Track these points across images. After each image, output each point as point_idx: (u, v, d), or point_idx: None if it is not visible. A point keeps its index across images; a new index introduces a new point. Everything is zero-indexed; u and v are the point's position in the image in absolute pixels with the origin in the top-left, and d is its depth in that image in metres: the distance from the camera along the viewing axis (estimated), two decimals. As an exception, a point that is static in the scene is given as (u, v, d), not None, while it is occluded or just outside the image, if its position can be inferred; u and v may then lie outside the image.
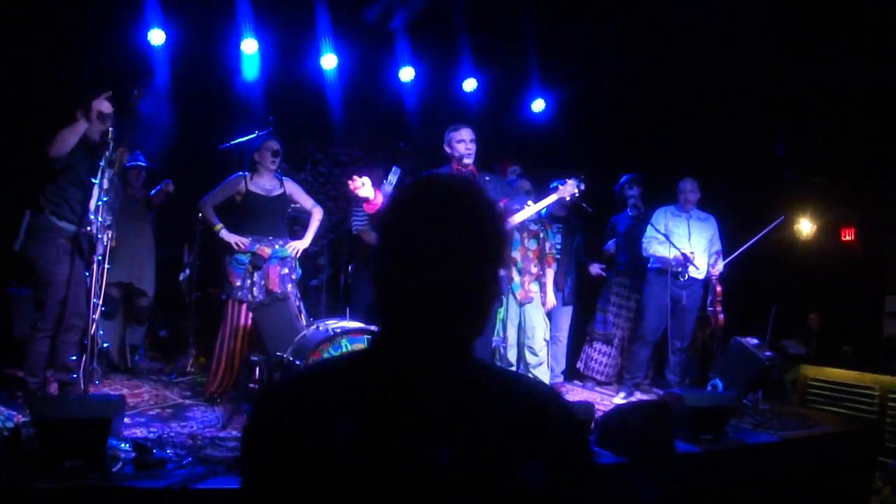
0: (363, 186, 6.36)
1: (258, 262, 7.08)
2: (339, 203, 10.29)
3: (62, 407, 4.75)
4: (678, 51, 9.43)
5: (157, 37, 8.46)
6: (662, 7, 8.69)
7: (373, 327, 6.06)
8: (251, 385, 6.80)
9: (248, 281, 7.09)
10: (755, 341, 8.08)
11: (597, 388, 9.05)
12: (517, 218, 6.75)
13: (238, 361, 7.08)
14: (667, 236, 8.31)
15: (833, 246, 11.18)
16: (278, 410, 1.65)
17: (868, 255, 10.92)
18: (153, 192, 8.17)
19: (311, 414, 1.60)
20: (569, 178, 6.97)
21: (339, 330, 5.90)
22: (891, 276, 10.84)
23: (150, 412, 6.42)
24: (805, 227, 10.80)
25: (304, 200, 7.54)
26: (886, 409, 7.95)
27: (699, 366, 9.00)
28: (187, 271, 8.34)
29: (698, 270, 8.37)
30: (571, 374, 9.29)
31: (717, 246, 8.54)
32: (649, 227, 8.49)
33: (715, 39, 9.05)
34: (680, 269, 8.29)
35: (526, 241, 7.72)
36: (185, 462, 5.00)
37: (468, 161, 6.65)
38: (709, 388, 7.92)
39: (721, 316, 8.34)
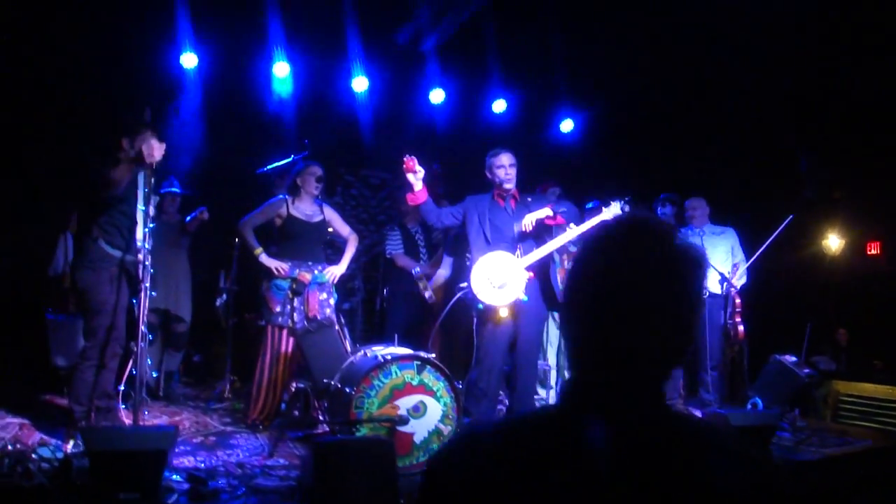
0: (417, 173, 6.53)
1: (299, 288, 6.93)
2: (370, 226, 10.23)
3: (118, 439, 4.63)
4: (704, 68, 9.39)
5: (189, 60, 8.38)
6: (689, 25, 8.64)
7: (422, 353, 5.94)
8: (296, 412, 6.74)
9: (289, 307, 6.93)
10: (793, 358, 8.06)
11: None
12: (560, 241, 6.59)
13: (279, 388, 6.96)
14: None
15: (859, 260, 11.05)
16: (464, 471, 1.52)
17: (894, 269, 10.79)
18: (188, 218, 8.04)
19: (505, 476, 1.46)
20: (613, 200, 6.82)
21: (389, 357, 5.76)
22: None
23: (194, 440, 6.29)
24: (833, 242, 10.67)
25: (342, 228, 7.43)
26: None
27: (729, 382, 8.83)
28: (224, 297, 8.19)
29: (714, 286, 8.25)
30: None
31: (739, 257, 8.42)
32: None
33: (741, 56, 8.99)
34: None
35: (566, 262, 7.60)
36: (239, 493, 4.91)
37: (508, 186, 6.61)
38: (749, 406, 7.88)
39: (741, 328, 8.19)
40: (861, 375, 8.81)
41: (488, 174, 6.70)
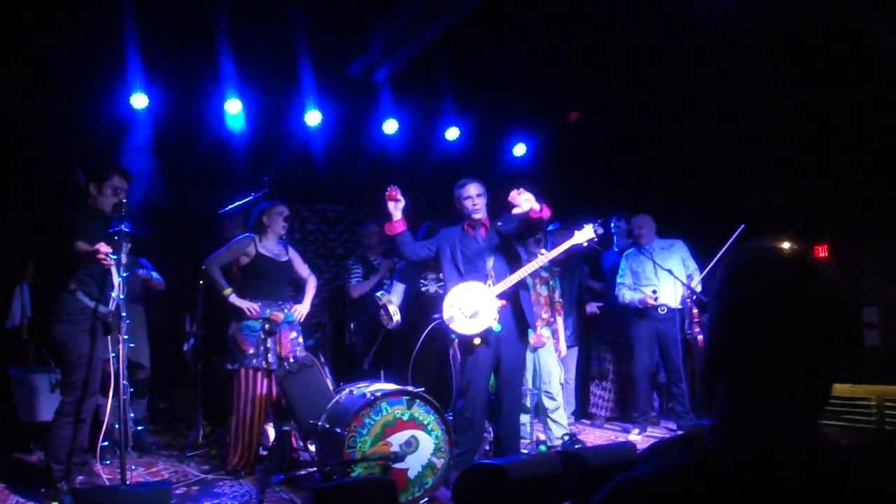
0: (399, 202, 6.37)
1: (272, 328, 6.66)
2: (330, 261, 10.06)
3: (117, 499, 4.37)
4: (648, 83, 9.46)
5: (139, 100, 8.11)
6: (632, 44, 8.72)
7: (410, 388, 5.79)
8: (291, 455, 6.52)
9: (262, 348, 6.67)
10: None
11: (606, 426, 8.91)
12: (531, 267, 6.46)
13: (257, 432, 6.73)
14: (635, 276, 8.44)
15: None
16: None
17: (843, 271, 10.81)
18: (148, 272, 7.73)
19: None
20: (585, 224, 6.71)
21: (378, 394, 5.61)
22: (866, 289, 10.81)
23: (177, 491, 6.01)
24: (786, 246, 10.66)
25: (302, 269, 7.24)
26: (885, 417, 7.87)
27: (693, 393, 8.81)
28: (192, 340, 7.92)
29: (677, 301, 8.29)
30: (579, 413, 9.05)
31: (692, 268, 8.42)
32: (618, 276, 8.55)
33: (684, 69, 9.05)
34: (656, 305, 8.21)
35: (538, 286, 7.51)
36: (239, 546, 4.70)
37: (478, 216, 6.48)
38: None
39: (700, 337, 8.15)
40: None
41: (457, 205, 6.58)
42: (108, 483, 5.98)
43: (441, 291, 7.63)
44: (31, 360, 7.84)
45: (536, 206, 6.06)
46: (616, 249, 8.87)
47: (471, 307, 6.18)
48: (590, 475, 5.16)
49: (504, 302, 6.29)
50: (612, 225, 8.93)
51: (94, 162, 6.08)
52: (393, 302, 7.55)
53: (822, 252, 11.15)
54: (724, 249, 8.06)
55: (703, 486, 1.46)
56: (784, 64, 8.77)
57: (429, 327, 6.42)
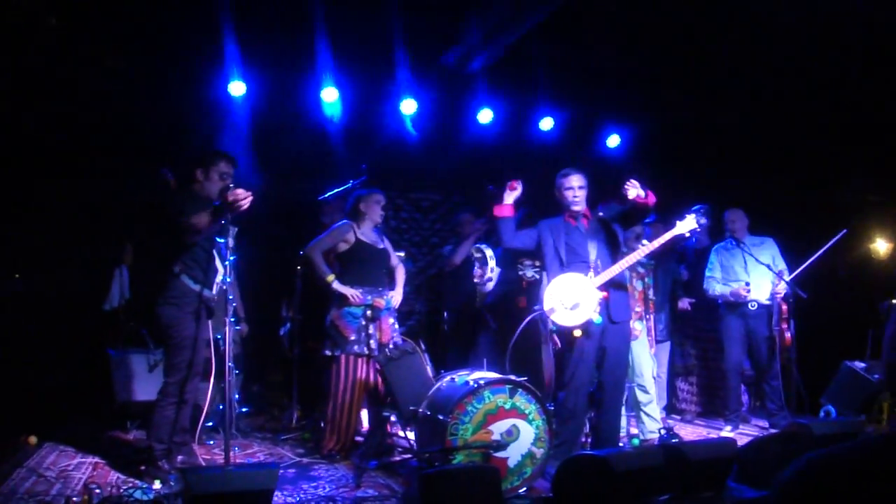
0: (515, 190, 6.25)
1: (375, 314, 6.62)
2: (423, 249, 9.97)
3: (222, 480, 4.28)
4: (748, 80, 9.22)
5: (237, 88, 8.09)
6: (734, 40, 8.50)
7: (513, 377, 5.64)
8: (387, 440, 6.44)
9: (364, 334, 6.60)
10: (863, 364, 7.84)
11: (696, 422, 8.69)
12: (632, 258, 6.32)
13: (354, 417, 6.66)
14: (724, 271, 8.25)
15: (902, 264, 10.73)
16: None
17: None
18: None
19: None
20: (687, 213, 6.57)
21: (482, 382, 5.47)
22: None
23: (275, 473, 5.96)
24: (881, 246, 10.36)
25: (393, 257, 7.16)
26: None
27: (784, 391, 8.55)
28: (287, 325, 7.87)
29: (766, 297, 8.07)
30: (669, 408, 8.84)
31: (781, 266, 8.18)
32: (707, 269, 8.36)
33: (783, 66, 8.81)
34: (747, 300, 7.96)
35: (633, 280, 7.32)
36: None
37: (577, 208, 6.32)
38: (822, 414, 7.79)
39: (788, 335, 7.97)
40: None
41: (557, 194, 6.43)
42: (205, 464, 5.99)
43: (537, 276, 7.51)
44: (129, 341, 7.87)
45: (642, 193, 6.02)
46: (694, 242, 8.61)
47: (571, 299, 6.02)
48: (690, 470, 5.08)
49: (605, 294, 6.13)
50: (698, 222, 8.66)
51: (200, 150, 6.01)
52: (493, 257, 7.46)
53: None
54: (820, 252, 7.88)
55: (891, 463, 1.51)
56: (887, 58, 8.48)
57: (527, 318, 6.23)
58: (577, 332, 6.04)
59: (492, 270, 7.55)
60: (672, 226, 6.48)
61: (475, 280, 7.77)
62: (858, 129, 9.72)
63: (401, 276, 7.11)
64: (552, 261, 6.25)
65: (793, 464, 1.55)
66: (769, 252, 8.26)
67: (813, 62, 8.66)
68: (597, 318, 6.03)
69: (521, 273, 7.73)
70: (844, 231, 7.89)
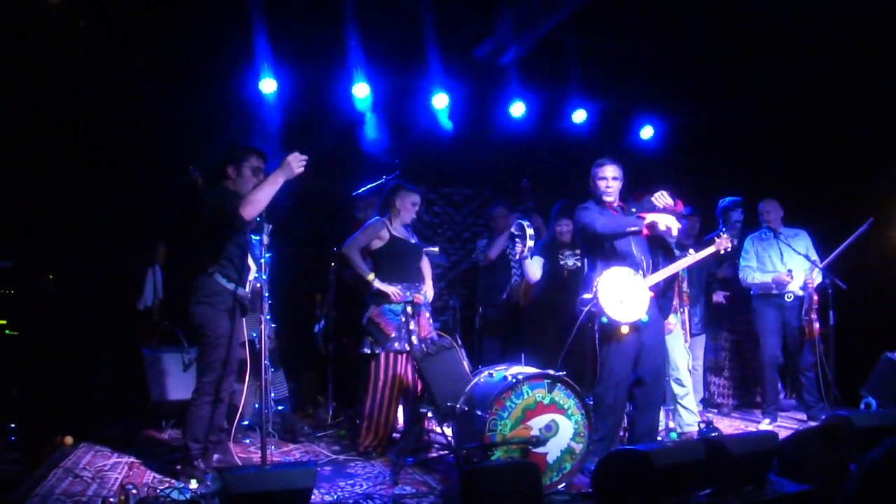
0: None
1: (416, 310, 6.52)
2: (456, 244, 9.88)
3: (260, 479, 4.19)
4: (780, 73, 9.09)
5: (268, 86, 8.03)
6: (764, 32, 8.42)
7: (551, 371, 5.53)
8: (424, 437, 6.35)
9: (404, 331, 6.48)
10: None
11: (733, 415, 8.55)
12: (683, 263, 6.36)
13: (393, 414, 6.56)
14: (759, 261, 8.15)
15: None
16: None
17: None
18: None
19: None
20: (723, 232, 6.65)
21: (520, 377, 5.36)
22: None
23: (312, 471, 5.88)
24: (918, 236, 10.15)
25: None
26: None
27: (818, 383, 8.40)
28: (321, 322, 7.78)
29: (799, 287, 7.98)
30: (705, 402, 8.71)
31: (814, 257, 8.05)
32: (741, 259, 8.23)
33: (816, 59, 8.73)
34: (785, 291, 7.87)
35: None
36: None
37: (609, 199, 6.17)
38: (862, 406, 7.62)
39: (816, 325, 7.84)
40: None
41: (591, 183, 6.28)
42: (241, 463, 5.92)
43: (578, 264, 7.40)
44: (163, 340, 7.83)
45: (671, 202, 5.96)
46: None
47: (624, 294, 5.90)
48: (732, 463, 4.98)
49: (653, 294, 6.05)
50: (731, 216, 8.49)
51: (232, 146, 5.92)
52: (532, 236, 7.40)
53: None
54: (847, 242, 7.74)
55: None
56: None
57: (585, 309, 6.04)
58: (626, 329, 5.92)
59: (531, 238, 7.47)
60: (710, 241, 6.54)
61: (516, 257, 7.70)
62: (892, 118, 9.58)
63: (428, 268, 7.00)
64: (609, 249, 6.12)
65: (881, 444, 1.63)
66: (803, 244, 8.16)
67: (846, 52, 8.53)
68: (644, 318, 5.95)
69: (562, 263, 7.65)
70: (871, 220, 7.70)
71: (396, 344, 6.46)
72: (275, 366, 7.14)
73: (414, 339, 6.43)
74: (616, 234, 6.01)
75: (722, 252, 6.53)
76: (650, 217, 5.85)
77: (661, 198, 5.98)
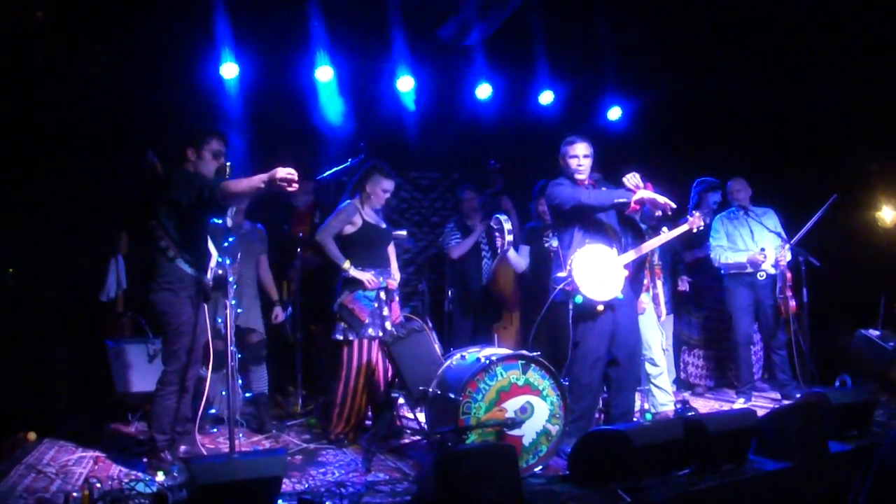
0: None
1: (390, 296, 6.41)
2: (424, 228, 9.74)
3: (228, 469, 4.03)
4: (746, 52, 9.11)
5: (229, 70, 7.81)
6: (731, 11, 8.36)
7: (525, 351, 5.42)
8: (396, 423, 6.22)
9: (378, 316, 6.34)
10: (878, 332, 7.75)
11: (707, 395, 8.49)
12: (656, 242, 6.27)
13: (365, 400, 6.41)
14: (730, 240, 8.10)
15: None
16: None
17: None
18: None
19: None
20: (695, 211, 6.54)
21: (494, 358, 5.23)
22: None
23: (282, 460, 5.72)
24: (887, 214, 10.16)
25: None
26: None
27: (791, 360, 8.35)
28: (289, 310, 7.59)
29: (771, 265, 7.89)
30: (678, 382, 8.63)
31: (783, 235, 7.99)
32: (711, 238, 8.14)
33: (775, 35, 8.77)
34: (758, 270, 7.84)
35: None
36: (354, 514, 4.39)
37: (580, 177, 6.10)
38: (837, 383, 7.60)
39: (792, 302, 7.78)
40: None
41: (561, 161, 6.20)
42: (207, 452, 5.75)
43: None
44: (128, 331, 7.63)
45: (641, 184, 5.91)
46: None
47: (600, 272, 5.84)
48: (711, 442, 4.96)
49: (628, 272, 6.00)
50: (708, 197, 8.42)
51: (192, 128, 5.72)
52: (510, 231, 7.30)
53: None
54: (814, 219, 7.70)
55: None
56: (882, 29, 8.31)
57: (557, 288, 5.95)
58: (601, 308, 5.86)
59: (510, 232, 7.38)
60: (683, 220, 6.40)
61: (498, 251, 7.60)
62: (859, 97, 9.59)
63: (393, 252, 6.83)
64: (584, 226, 6.03)
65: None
66: (772, 222, 8.10)
67: (812, 32, 8.53)
68: (620, 296, 5.89)
69: (547, 245, 7.54)
70: (835, 196, 7.67)
71: (371, 330, 6.30)
72: (258, 360, 6.98)
73: (388, 324, 6.29)
74: (603, 206, 5.96)
75: (695, 230, 6.43)
76: (642, 193, 5.78)
77: (633, 178, 5.92)
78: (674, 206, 5.81)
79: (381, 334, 6.24)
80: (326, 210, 7.02)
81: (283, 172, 4.84)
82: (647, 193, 5.76)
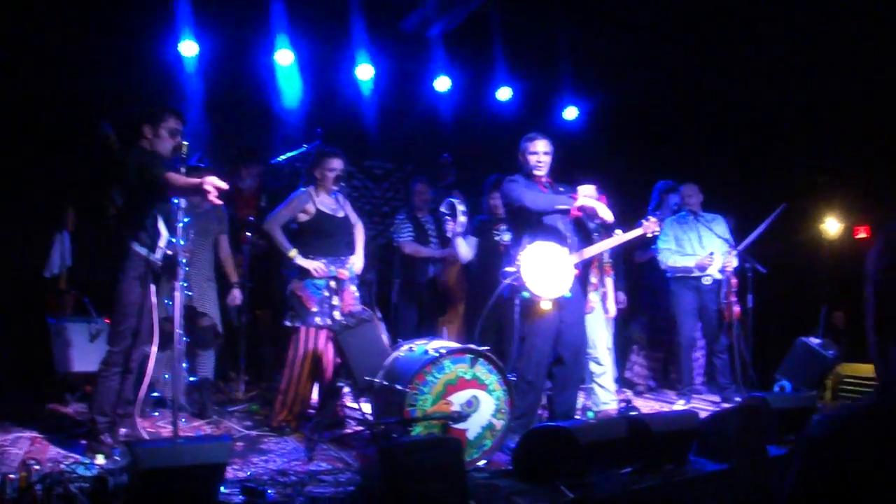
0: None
1: (339, 286, 6.30)
2: (375, 218, 9.70)
3: (172, 454, 3.97)
4: (699, 58, 9.19)
5: (188, 48, 7.70)
6: (691, 15, 8.42)
7: (473, 346, 5.42)
8: (340, 412, 6.19)
9: (327, 306, 6.26)
10: (818, 340, 7.87)
11: (647, 395, 8.60)
12: (610, 244, 6.35)
13: (308, 389, 6.36)
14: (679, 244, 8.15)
15: (848, 244, 10.81)
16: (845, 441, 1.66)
17: (884, 253, 10.55)
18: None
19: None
20: (650, 216, 6.56)
21: (442, 351, 5.23)
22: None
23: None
24: (832, 226, 10.37)
25: (352, 216, 6.76)
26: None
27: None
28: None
29: (717, 270, 7.98)
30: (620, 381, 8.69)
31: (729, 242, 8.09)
32: (659, 241, 8.13)
33: (738, 47, 8.87)
34: (703, 274, 7.90)
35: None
36: (297, 502, 4.37)
37: (539, 173, 6.13)
38: (776, 388, 7.76)
39: (736, 308, 7.88)
40: (862, 357, 8.54)
41: (520, 157, 6.23)
42: (149, 437, 5.66)
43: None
44: (70, 309, 7.48)
45: (595, 195, 6.20)
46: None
47: (549, 270, 5.88)
48: (653, 442, 5.01)
49: (578, 271, 6.06)
50: (669, 198, 8.53)
51: (149, 106, 5.62)
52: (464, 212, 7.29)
53: (861, 233, 10.86)
54: (762, 227, 7.82)
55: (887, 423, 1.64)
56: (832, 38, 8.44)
57: (503, 283, 5.98)
58: (547, 305, 5.88)
59: (463, 213, 7.37)
60: (638, 224, 6.45)
61: (448, 235, 7.56)
62: (812, 110, 9.75)
63: (360, 236, 6.74)
64: (537, 224, 6.04)
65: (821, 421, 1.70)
66: (720, 228, 8.18)
67: (768, 41, 8.64)
68: (568, 294, 5.93)
69: (497, 238, 7.52)
70: (784, 205, 7.79)
71: (317, 319, 6.23)
72: (206, 345, 6.89)
73: (336, 314, 6.22)
74: (544, 211, 5.96)
75: (649, 235, 6.49)
76: (584, 200, 5.81)
77: (587, 189, 6.17)
78: (611, 219, 5.89)
79: (328, 323, 6.19)
80: (273, 194, 7.01)
81: (210, 185, 4.76)
82: (588, 202, 5.84)
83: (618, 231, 6.46)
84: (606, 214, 5.84)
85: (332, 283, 6.29)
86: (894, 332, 1.79)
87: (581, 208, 5.82)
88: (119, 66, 7.53)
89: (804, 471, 1.68)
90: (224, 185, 4.80)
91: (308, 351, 6.25)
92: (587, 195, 6.04)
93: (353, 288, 6.53)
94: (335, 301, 6.26)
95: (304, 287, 6.25)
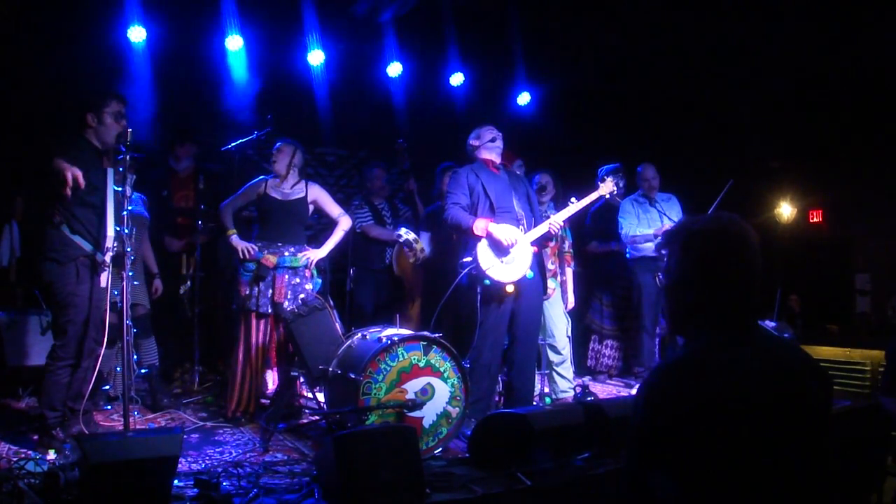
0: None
1: (262, 272, 6.28)
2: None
3: (123, 448, 3.93)
4: (652, 43, 9.28)
5: (137, 34, 7.63)
6: (645, 9, 8.60)
7: (426, 332, 5.43)
8: (295, 402, 6.20)
9: (256, 289, 6.27)
10: (773, 323, 7.92)
11: (608, 381, 8.69)
12: (564, 215, 6.31)
13: (258, 378, 6.33)
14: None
15: (802, 228, 11.00)
16: (685, 394, 2.16)
17: (836, 236, 10.80)
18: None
19: (712, 382, 2.15)
20: (606, 176, 6.68)
21: (395, 338, 5.23)
22: (858, 256, 10.71)
23: (176, 438, 5.61)
24: (786, 211, 10.52)
25: (331, 208, 6.72)
26: (878, 383, 7.69)
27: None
28: (188, 283, 7.46)
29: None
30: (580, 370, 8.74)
31: None
32: (621, 217, 8.27)
33: (687, 29, 8.96)
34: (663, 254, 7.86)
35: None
36: (252, 494, 4.30)
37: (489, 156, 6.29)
38: None
39: None
40: (818, 340, 8.67)
41: (474, 142, 6.32)
42: (102, 431, 5.61)
43: None
44: (21, 301, 7.39)
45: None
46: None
47: (507, 253, 5.92)
48: (610, 427, 5.01)
49: (535, 249, 6.09)
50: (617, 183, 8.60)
51: (91, 92, 5.51)
52: (418, 240, 7.27)
53: (815, 218, 11.06)
54: (713, 207, 7.82)
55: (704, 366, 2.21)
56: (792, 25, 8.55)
57: (463, 272, 6.00)
58: (510, 289, 5.92)
59: (421, 252, 7.37)
60: (595, 187, 6.52)
61: (410, 261, 7.57)
62: (766, 95, 9.86)
63: (338, 231, 6.70)
64: (483, 207, 6.06)
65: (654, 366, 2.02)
66: (675, 209, 8.32)
67: (721, 27, 8.71)
68: (529, 274, 5.95)
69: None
70: (731, 182, 7.88)
71: (249, 303, 6.26)
72: (146, 333, 6.83)
73: (262, 300, 6.25)
74: (453, 228, 6.10)
75: (607, 196, 6.64)
76: (482, 228, 5.87)
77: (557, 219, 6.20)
78: (513, 243, 5.88)
79: (269, 311, 6.24)
80: (210, 176, 7.12)
81: (66, 175, 4.75)
82: (491, 228, 5.87)
83: (572, 199, 6.49)
84: (509, 244, 5.90)
85: (258, 269, 6.30)
86: (678, 325, 2.46)
87: (482, 230, 5.89)
88: (67, 52, 7.42)
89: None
90: (81, 183, 4.79)
91: (252, 338, 6.26)
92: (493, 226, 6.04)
93: (298, 279, 6.46)
94: (261, 287, 6.28)
95: (239, 271, 6.34)
